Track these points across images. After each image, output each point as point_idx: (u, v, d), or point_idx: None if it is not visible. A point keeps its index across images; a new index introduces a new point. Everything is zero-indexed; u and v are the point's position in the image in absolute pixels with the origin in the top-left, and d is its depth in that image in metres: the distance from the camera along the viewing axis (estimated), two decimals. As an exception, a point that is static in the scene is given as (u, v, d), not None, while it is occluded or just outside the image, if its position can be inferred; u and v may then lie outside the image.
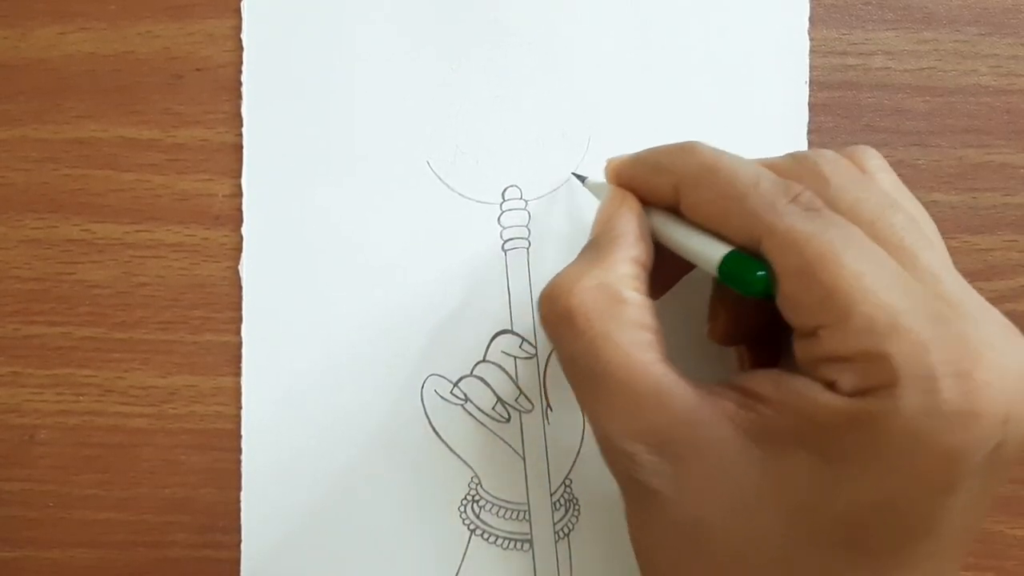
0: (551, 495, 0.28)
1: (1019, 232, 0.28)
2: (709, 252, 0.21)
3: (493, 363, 0.28)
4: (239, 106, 0.28)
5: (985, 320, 0.19)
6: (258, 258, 0.28)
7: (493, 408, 0.28)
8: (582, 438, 0.28)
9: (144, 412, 0.28)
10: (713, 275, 0.21)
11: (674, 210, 0.22)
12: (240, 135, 0.28)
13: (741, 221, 0.20)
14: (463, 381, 0.28)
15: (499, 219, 0.28)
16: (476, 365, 0.28)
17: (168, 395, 0.28)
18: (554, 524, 0.28)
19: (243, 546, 0.28)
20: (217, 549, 0.28)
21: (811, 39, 0.28)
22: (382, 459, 0.28)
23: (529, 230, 0.28)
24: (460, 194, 0.28)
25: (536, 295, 0.28)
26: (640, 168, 0.23)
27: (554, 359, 0.28)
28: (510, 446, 0.28)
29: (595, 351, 0.21)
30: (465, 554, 0.28)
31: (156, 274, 0.28)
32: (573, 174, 0.28)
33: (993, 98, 0.28)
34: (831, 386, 0.19)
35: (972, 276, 0.27)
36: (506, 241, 0.28)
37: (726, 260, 0.21)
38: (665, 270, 0.23)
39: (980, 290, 0.20)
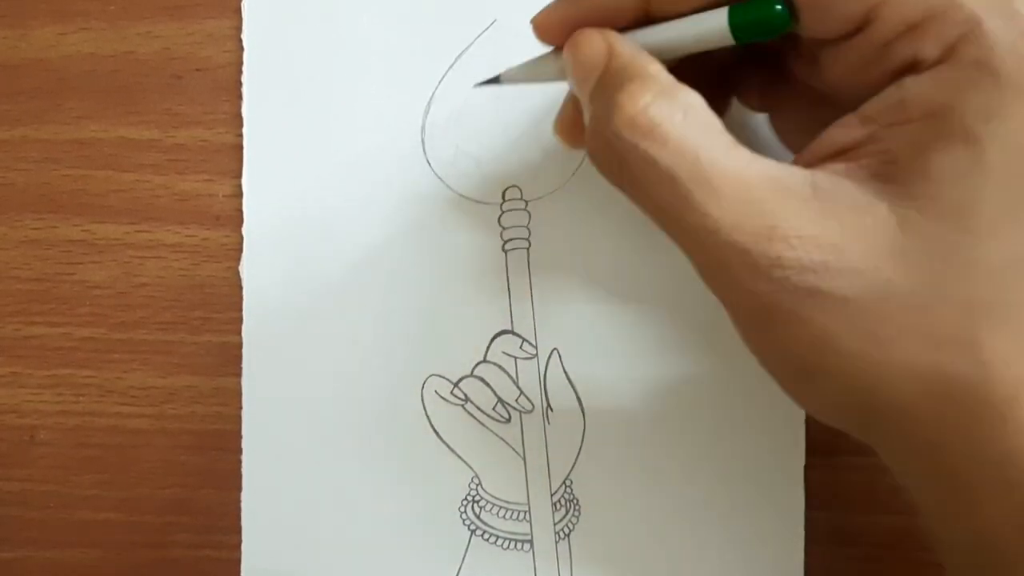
0: (551, 495, 0.28)
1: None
2: (711, 22, 0.20)
3: (493, 363, 0.28)
4: (239, 106, 0.28)
5: None
6: (258, 258, 0.28)
7: (493, 408, 0.28)
8: (582, 438, 0.28)
9: (144, 412, 0.28)
10: (728, 43, 0.20)
11: (639, 24, 0.21)
12: (240, 135, 0.28)
13: None
14: (463, 381, 0.28)
15: (499, 219, 0.28)
16: (476, 365, 0.28)
17: (168, 395, 0.28)
18: (554, 524, 0.28)
19: (243, 546, 0.28)
20: (217, 549, 0.28)
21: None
22: (382, 459, 0.28)
23: (529, 230, 0.28)
24: (461, 194, 0.28)
25: (536, 296, 0.28)
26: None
27: (554, 359, 0.28)
28: (510, 446, 0.28)
29: (693, 158, 0.19)
30: (465, 554, 0.28)
31: (156, 274, 0.28)
32: (482, 83, 0.25)
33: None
34: (914, 68, 0.18)
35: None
36: (506, 241, 0.28)
37: (733, 15, 0.19)
38: None
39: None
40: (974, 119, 0.18)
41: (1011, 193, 0.18)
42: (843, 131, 0.19)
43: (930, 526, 0.21)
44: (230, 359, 0.28)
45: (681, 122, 0.19)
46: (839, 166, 0.19)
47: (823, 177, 0.19)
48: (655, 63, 0.20)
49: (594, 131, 0.20)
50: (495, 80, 0.25)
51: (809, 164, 0.20)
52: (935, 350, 0.18)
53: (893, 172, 0.19)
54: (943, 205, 0.18)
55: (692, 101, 0.20)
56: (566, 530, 0.28)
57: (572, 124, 0.24)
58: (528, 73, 0.24)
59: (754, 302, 0.19)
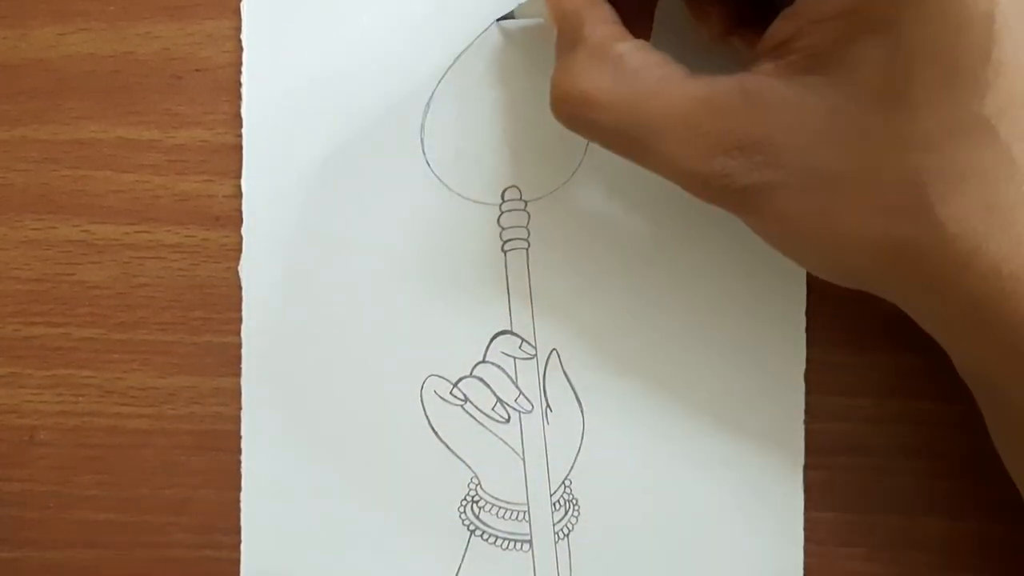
0: (551, 495, 0.28)
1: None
2: None
3: (493, 364, 0.28)
4: (239, 107, 0.28)
5: None
6: (258, 258, 0.28)
7: (493, 409, 0.28)
8: (582, 438, 0.28)
9: (144, 413, 0.28)
10: None
11: None
12: (240, 136, 0.28)
13: None
14: (463, 382, 0.28)
15: (499, 220, 0.28)
16: (476, 366, 0.28)
17: (168, 396, 0.28)
18: (554, 524, 0.28)
19: (243, 546, 0.28)
20: (217, 549, 0.28)
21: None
22: (382, 459, 0.28)
23: (529, 231, 0.28)
24: (460, 194, 0.28)
25: (535, 296, 0.28)
26: None
27: (553, 359, 0.28)
28: (510, 447, 0.28)
29: (629, 110, 0.21)
30: (465, 554, 0.28)
31: (156, 275, 0.28)
32: (497, 21, 0.27)
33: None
34: None
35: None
36: (506, 242, 0.28)
37: None
38: (635, 17, 0.24)
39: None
40: (887, 7, 0.19)
41: (941, 65, 0.19)
42: (777, 27, 0.21)
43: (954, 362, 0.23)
44: (230, 359, 0.28)
45: (611, 83, 0.22)
46: (768, 65, 0.21)
47: (752, 80, 0.21)
48: (596, 13, 0.22)
49: (550, 95, 0.23)
50: (510, 16, 0.27)
51: (755, 58, 0.21)
52: (886, 220, 0.20)
53: (818, 65, 0.20)
54: (869, 90, 0.20)
55: (622, 51, 0.22)
56: (566, 530, 0.28)
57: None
58: (539, 8, 0.25)
59: (722, 202, 0.22)
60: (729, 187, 0.21)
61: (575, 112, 0.22)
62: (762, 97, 0.21)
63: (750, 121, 0.21)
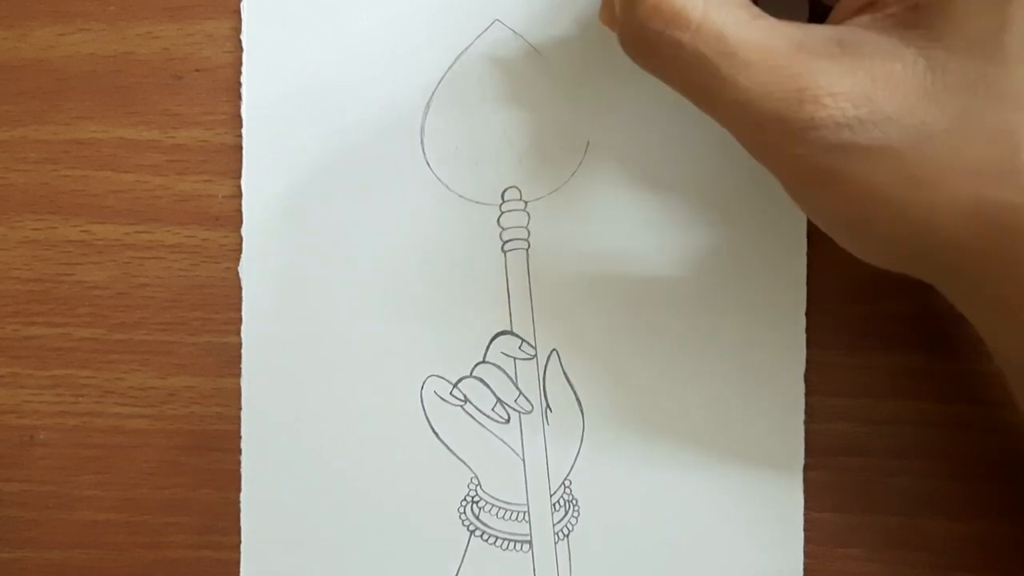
0: (551, 496, 0.28)
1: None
2: None
3: (493, 364, 0.28)
4: (239, 107, 0.28)
5: None
6: (258, 259, 0.28)
7: (493, 409, 0.28)
8: (581, 438, 0.28)
9: (143, 413, 0.28)
10: None
11: None
12: (240, 136, 0.28)
13: None
14: (463, 382, 0.28)
15: (499, 220, 0.28)
16: (476, 366, 0.28)
17: (167, 396, 0.28)
18: (554, 525, 0.28)
19: (243, 546, 0.28)
20: (217, 549, 0.28)
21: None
22: (382, 459, 0.28)
23: (529, 231, 0.28)
24: (460, 195, 0.28)
25: (535, 296, 0.28)
26: None
27: (553, 359, 0.28)
28: (509, 447, 0.28)
29: (718, 35, 0.20)
30: (465, 555, 0.28)
31: (156, 275, 0.28)
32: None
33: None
34: None
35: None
36: (506, 242, 0.28)
37: None
38: None
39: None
40: None
41: None
42: None
43: (996, 357, 0.22)
44: (230, 359, 0.28)
45: (703, 5, 0.20)
46: (864, 18, 0.20)
47: (848, 32, 0.20)
48: None
49: (624, 21, 0.21)
50: None
51: (840, 21, 0.20)
52: (977, 183, 0.19)
53: (917, 17, 0.19)
54: (969, 41, 0.19)
55: None
56: (565, 530, 0.28)
57: (613, 15, 0.24)
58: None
59: (797, 165, 0.20)
60: (812, 141, 0.19)
61: (660, 28, 0.20)
62: (860, 49, 0.19)
63: (846, 72, 0.19)
